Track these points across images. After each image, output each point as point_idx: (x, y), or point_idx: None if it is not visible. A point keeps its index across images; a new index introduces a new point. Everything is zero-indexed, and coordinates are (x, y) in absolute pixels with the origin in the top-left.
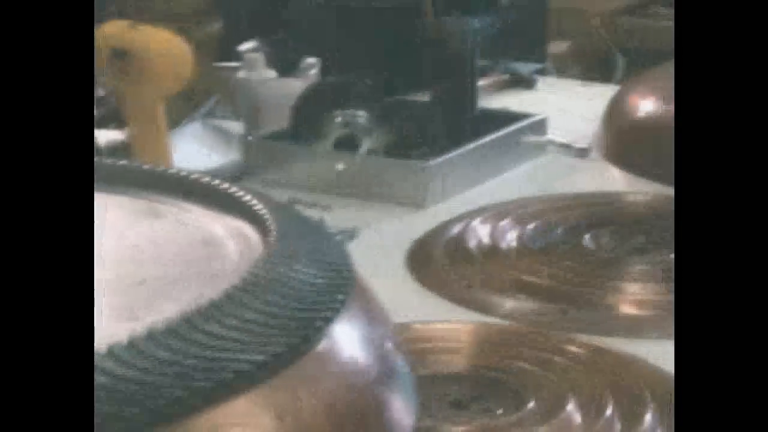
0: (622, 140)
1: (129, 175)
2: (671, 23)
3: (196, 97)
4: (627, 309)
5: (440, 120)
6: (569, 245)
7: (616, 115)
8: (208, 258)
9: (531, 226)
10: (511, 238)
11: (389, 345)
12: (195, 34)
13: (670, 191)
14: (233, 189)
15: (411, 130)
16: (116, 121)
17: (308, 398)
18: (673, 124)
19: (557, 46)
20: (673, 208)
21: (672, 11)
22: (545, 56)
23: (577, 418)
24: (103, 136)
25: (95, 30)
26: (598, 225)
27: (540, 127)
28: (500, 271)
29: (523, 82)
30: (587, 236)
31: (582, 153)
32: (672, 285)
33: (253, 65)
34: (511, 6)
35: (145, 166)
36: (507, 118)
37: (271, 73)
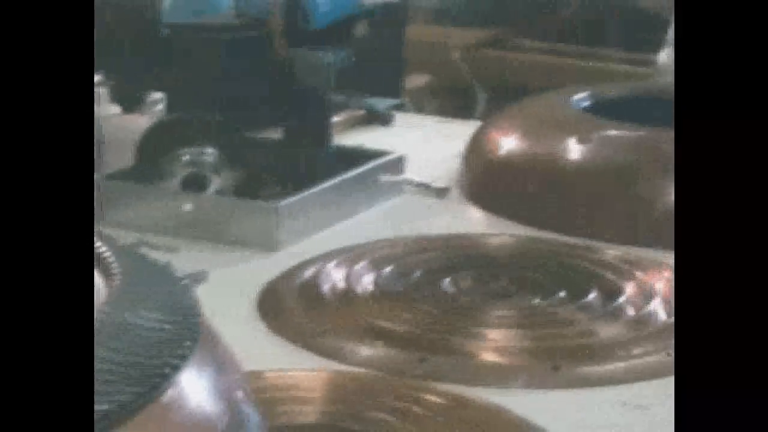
0: (483, 179)
1: None
2: (534, 56)
3: None
4: (489, 356)
5: (292, 158)
6: (428, 289)
7: (476, 152)
8: None
9: (388, 269)
10: (367, 282)
11: (239, 394)
12: None
13: (533, 232)
14: None
15: (262, 169)
16: None
17: None
18: (535, 161)
19: (415, 81)
20: (536, 250)
21: (535, 43)
22: (402, 91)
23: None
24: None
25: None
26: (459, 268)
27: (397, 165)
28: (356, 317)
29: (380, 119)
30: (447, 280)
31: (441, 193)
32: (534, 331)
33: (95, 100)
34: (366, 39)
35: None
36: (362, 156)
37: (115, 109)
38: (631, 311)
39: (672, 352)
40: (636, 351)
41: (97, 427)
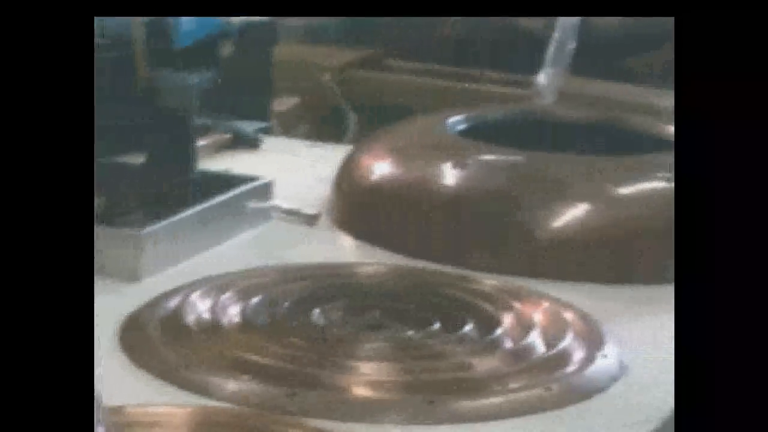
0: (354, 206)
1: None
2: (408, 77)
3: None
4: (361, 391)
5: (156, 184)
6: (297, 321)
7: (347, 178)
8: None
9: (255, 299)
10: (233, 313)
11: (100, 430)
12: None
13: (407, 261)
14: None
15: (124, 195)
16: None
17: None
18: (408, 187)
19: (284, 103)
20: (410, 279)
21: (409, 64)
22: (271, 114)
23: None
24: None
25: None
26: (329, 299)
27: (265, 191)
28: (221, 350)
29: (247, 142)
30: (317, 311)
31: (311, 220)
32: (407, 364)
33: None
34: (232, 59)
35: None
36: (229, 181)
37: None
38: (508, 343)
39: (551, 386)
40: (513, 385)
41: None
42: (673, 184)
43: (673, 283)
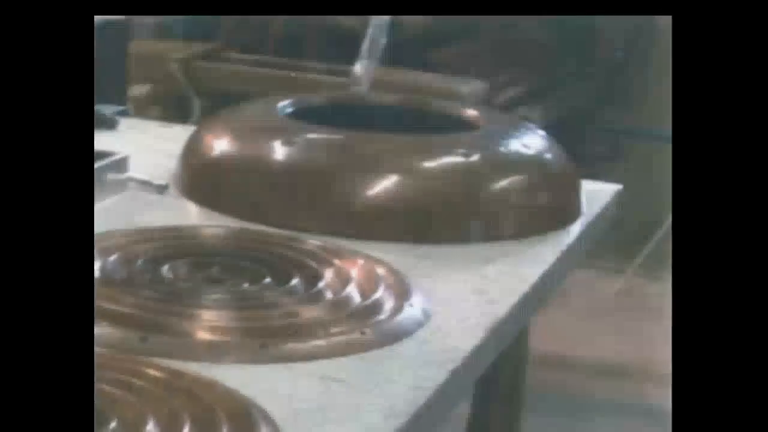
0: (198, 178)
1: None
2: (244, 67)
3: None
4: (203, 335)
5: None
6: (149, 276)
7: (192, 153)
8: None
9: (113, 257)
10: (94, 269)
11: None
12: None
13: (242, 224)
14: None
15: None
16: None
17: None
18: (244, 161)
19: (138, 90)
20: (246, 240)
21: (245, 56)
22: (127, 99)
23: None
24: None
25: None
26: (176, 257)
27: (121, 164)
28: None
29: (106, 123)
30: (166, 267)
31: (161, 189)
32: (243, 312)
33: None
34: (95, 52)
35: None
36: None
37: None
38: (329, 294)
39: (366, 331)
40: (334, 330)
41: None
42: (468, 159)
43: (470, 243)
